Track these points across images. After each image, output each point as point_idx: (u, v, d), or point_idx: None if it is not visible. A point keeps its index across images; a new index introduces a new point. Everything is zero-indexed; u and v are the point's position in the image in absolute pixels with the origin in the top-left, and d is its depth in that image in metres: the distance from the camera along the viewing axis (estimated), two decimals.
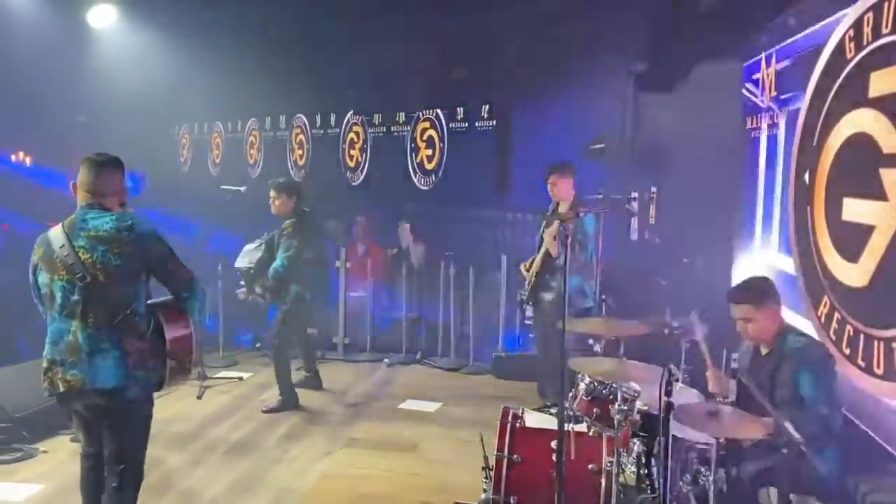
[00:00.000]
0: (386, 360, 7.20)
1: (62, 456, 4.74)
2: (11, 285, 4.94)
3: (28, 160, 11.57)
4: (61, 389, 2.97)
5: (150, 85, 8.93)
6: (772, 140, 4.86)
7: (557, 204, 5.41)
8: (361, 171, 8.69)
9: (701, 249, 5.70)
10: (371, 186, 8.54)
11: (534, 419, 3.59)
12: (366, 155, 8.63)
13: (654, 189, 4.41)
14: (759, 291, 3.34)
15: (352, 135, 8.82)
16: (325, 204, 7.94)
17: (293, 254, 5.47)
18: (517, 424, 3.52)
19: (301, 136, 9.43)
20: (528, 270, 5.69)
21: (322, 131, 9.18)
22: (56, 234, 2.99)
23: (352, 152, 8.82)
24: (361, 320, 7.50)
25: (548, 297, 5.43)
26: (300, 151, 9.45)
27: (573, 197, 5.35)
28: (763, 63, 4.97)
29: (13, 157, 11.54)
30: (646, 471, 3.10)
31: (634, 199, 3.86)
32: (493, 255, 7.17)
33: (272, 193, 5.67)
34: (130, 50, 8.09)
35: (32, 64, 7.71)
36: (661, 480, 2.50)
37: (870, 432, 3.37)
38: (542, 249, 5.52)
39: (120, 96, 8.86)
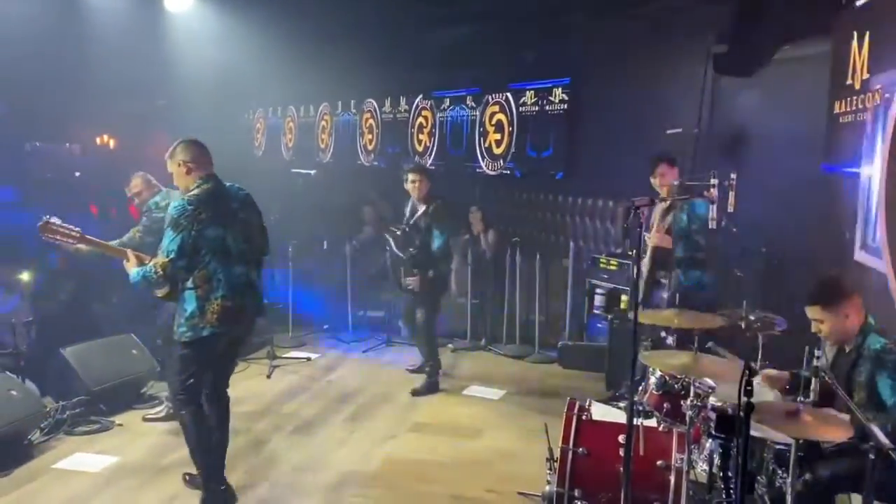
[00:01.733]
0: (451, 346, 7.19)
1: (136, 429, 4.91)
2: (91, 263, 5.13)
3: (112, 143, 12.07)
4: (242, 321, 3.75)
5: (226, 70, 9.14)
6: (862, 126, 4.57)
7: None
8: (430, 154, 8.67)
9: (780, 241, 5.46)
10: (438, 170, 8.51)
11: (601, 412, 3.51)
12: (434, 139, 8.61)
13: (733, 176, 4.20)
14: (827, 292, 3.16)
15: (420, 119, 8.81)
16: (393, 189, 7.98)
17: (449, 234, 5.83)
18: (583, 417, 3.44)
19: (371, 121, 9.48)
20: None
21: (391, 115, 9.20)
22: (213, 196, 3.66)
23: (420, 136, 8.81)
24: None
25: (664, 295, 4.98)
26: (370, 136, 9.50)
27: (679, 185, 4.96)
28: (854, 43, 4.67)
29: (98, 140, 12.06)
30: (719, 471, 2.97)
31: (714, 185, 3.70)
32: (561, 242, 7.06)
33: (413, 177, 5.80)
34: (206, 34, 8.26)
35: (113, 50, 7.97)
36: (737, 484, 2.38)
37: None
38: (650, 250, 5.11)
39: (197, 81, 9.08)
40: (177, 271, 3.54)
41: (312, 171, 7.01)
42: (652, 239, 4.95)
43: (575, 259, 6.88)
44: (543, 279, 7.05)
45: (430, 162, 8.63)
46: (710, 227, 3.68)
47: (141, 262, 3.65)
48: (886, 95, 4.15)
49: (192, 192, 3.65)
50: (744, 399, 2.06)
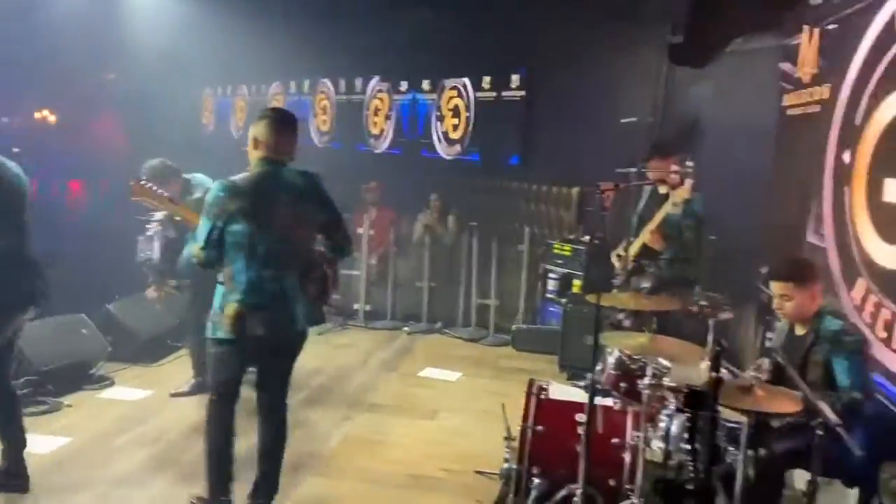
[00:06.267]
0: (406, 329, 7.22)
1: (87, 411, 4.80)
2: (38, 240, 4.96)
3: (52, 118, 11.63)
4: (259, 333, 3.15)
5: (176, 45, 8.89)
6: (811, 119, 4.75)
7: (656, 187, 5.06)
8: (386, 138, 8.63)
9: (731, 230, 5.63)
10: (395, 154, 8.49)
11: (559, 392, 3.58)
12: (390, 122, 8.58)
13: (689, 163, 4.34)
14: (802, 270, 3.29)
15: (376, 101, 8.76)
16: (346, 172, 7.95)
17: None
18: (542, 396, 3.51)
19: (325, 102, 9.38)
20: (621, 256, 5.19)
21: (346, 97, 9.12)
22: (253, 186, 3.16)
23: (376, 119, 8.76)
24: (381, 288, 7.51)
25: (644, 284, 4.95)
26: (323, 117, 9.40)
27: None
28: (806, 38, 4.83)
29: (37, 115, 11.60)
30: (681, 447, 3.07)
31: (690, 171, 3.84)
32: (517, 228, 7.14)
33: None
34: (157, 8, 8.04)
35: (61, 22, 7.69)
36: (703, 459, 2.48)
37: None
38: (641, 236, 5.06)
39: (147, 56, 8.83)
40: (209, 261, 3.20)
41: None
42: (644, 235, 4.91)
43: (530, 244, 6.97)
44: (499, 264, 7.12)
45: (386, 146, 8.61)
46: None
47: None
48: (834, 87, 4.31)
49: (241, 175, 3.22)
50: (713, 375, 2.14)
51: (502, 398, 3.96)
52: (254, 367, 3.43)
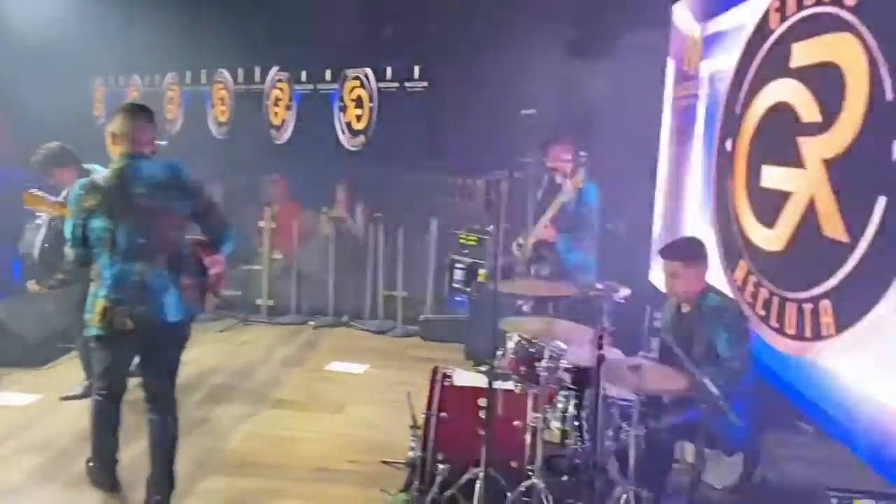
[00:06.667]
0: (311, 323, 7.14)
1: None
2: None
3: None
4: (129, 327, 3.17)
5: (64, 34, 8.43)
6: (694, 109, 4.99)
7: (554, 175, 5.12)
8: (287, 129, 8.49)
9: (624, 216, 5.86)
10: (296, 145, 8.36)
11: (463, 378, 3.64)
12: (291, 113, 8.44)
13: (583, 154, 4.49)
14: (689, 250, 3.48)
15: (277, 91, 8.60)
16: (247, 163, 7.78)
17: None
18: (446, 383, 3.55)
19: (223, 92, 9.13)
20: (520, 246, 5.29)
21: (245, 87, 8.91)
22: (110, 180, 3.17)
23: (276, 110, 8.61)
24: (286, 282, 7.41)
25: (544, 272, 5.07)
26: (222, 108, 9.15)
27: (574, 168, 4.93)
28: (692, 32, 5.07)
29: None
30: (575, 424, 3.19)
31: (583, 162, 3.98)
32: (423, 219, 7.18)
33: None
34: None
35: None
36: (591, 432, 2.57)
37: (779, 390, 3.56)
38: (539, 225, 5.12)
39: (32, 45, 8.33)
40: (79, 258, 3.24)
41: (164, 142, 6.66)
42: (536, 231, 5.01)
43: (437, 235, 7.03)
44: (406, 255, 7.14)
45: (287, 136, 8.47)
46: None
47: None
48: (717, 78, 4.55)
49: (100, 172, 3.27)
50: (598, 353, 2.23)
51: (409, 388, 3.97)
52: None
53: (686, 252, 3.45)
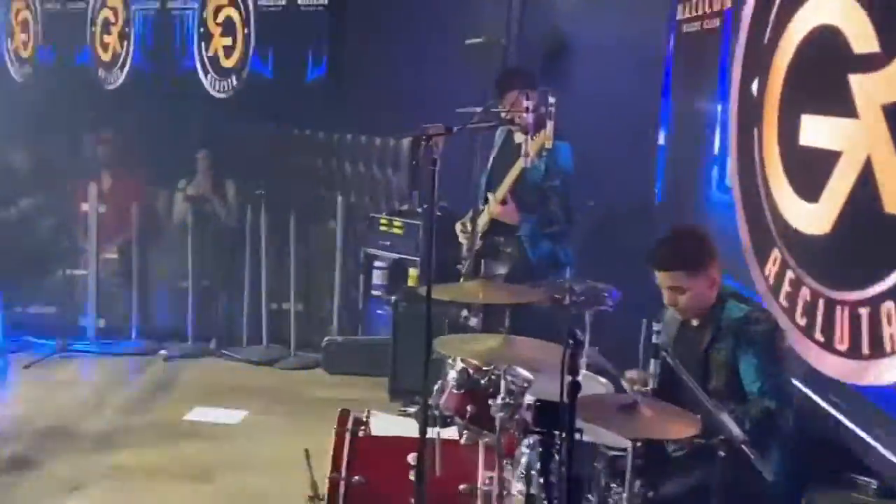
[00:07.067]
0: (163, 352, 7.08)
1: None
2: None
3: None
4: None
5: None
6: (710, 39, 5.09)
7: (511, 133, 5.18)
8: (122, 65, 8.35)
9: (612, 189, 5.95)
10: (136, 92, 8.22)
11: (384, 425, 3.64)
12: (127, 43, 8.30)
13: (551, 101, 4.52)
14: (694, 252, 3.49)
15: (106, 13, 8.44)
16: (63, 118, 7.60)
17: None
18: (359, 433, 3.54)
19: (26, 14, 8.93)
20: (466, 231, 5.39)
21: (60, 5, 8.72)
22: None
23: (106, 39, 8.46)
24: (123, 293, 7.33)
25: (500, 270, 5.12)
26: (24, 36, 8.95)
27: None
28: None
29: None
30: (540, 489, 3.20)
31: (552, 108, 4.02)
32: (325, 198, 7.14)
33: None
34: None
35: None
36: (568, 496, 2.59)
37: (829, 432, 3.66)
38: (491, 203, 5.23)
39: None
40: None
41: None
42: (490, 209, 5.08)
43: (346, 220, 7.02)
44: (301, 250, 7.13)
45: (122, 77, 8.33)
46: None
47: None
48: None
49: None
50: (568, 378, 2.25)
51: (307, 442, 3.96)
52: None
53: (685, 257, 3.49)
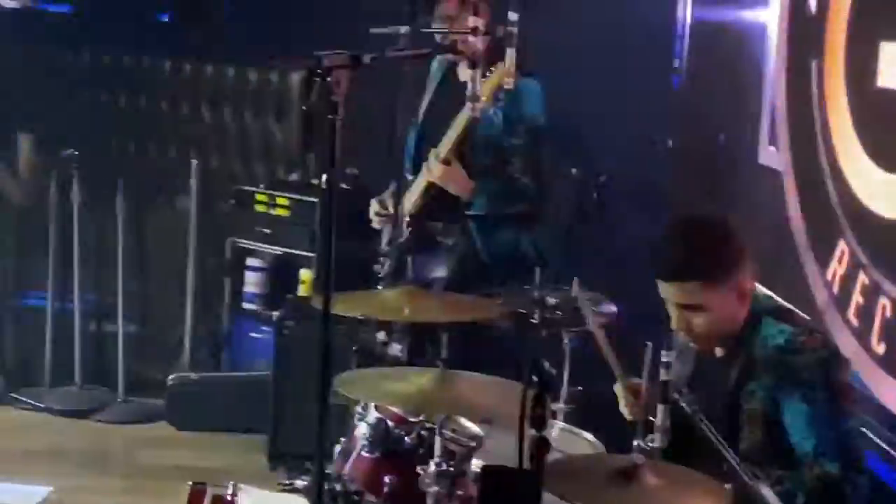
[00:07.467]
0: None
1: None
2: None
3: None
4: None
5: None
6: None
7: (454, 67, 5.28)
8: None
9: (605, 152, 6.01)
10: None
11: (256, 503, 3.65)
12: None
13: (513, 17, 4.56)
14: (716, 254, 3.52)
15: None
16: None
17: None
18: None
19: None
20: (387, 214, 5.40)
21: None
22: None
23: None
24: None
25: (437, 272, 5.25)
26: None
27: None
28: None
29: None
30: None
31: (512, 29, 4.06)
32: (173, 161, 7.12)
33: None
34: None
35: None
36: None
37: None
38: (422, 178, 5.29)
39: None
40: None
41: None
42: (430, 172, 5.11)
43: (203, 197, 7.06)
44: (135, 243, 7.19)
45: None
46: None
47: None
48: None
49: None
50: (533, 434, 2.26)
51: None
52: None
53: (707, 260, 3.51)
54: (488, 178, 5.02)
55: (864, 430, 3.66)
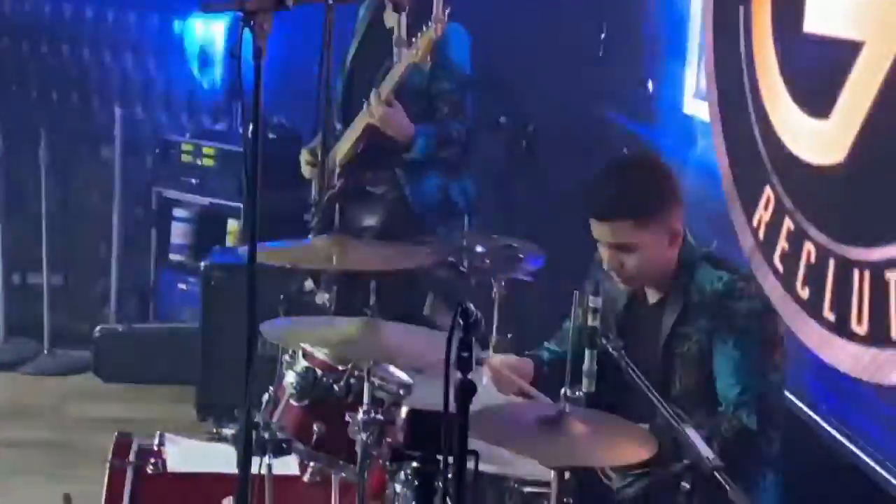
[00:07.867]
0: None
1: None
2: None
3: None
4: None
5: None
6: None
7: (380, 12, 5.24)
8: None
9: (533, 100, 6.00)
10: None
11: (185, 455, 3.66)
12: None
13: None
14: (645, 191, 3.55)
15: None
16: None
17: None
18: (149, 469, 3.55)
19: None
20: (316, 163, 5.21)
21: None
22: None
23: None
24: None
25: (368, 220, 5.26)
26: None
27: None
28: None
29: None
30: None
31: None
32: (94, 106, 7.05)
33: None
34: None
35: None
36: None
37: (840, 446, 3.79)
38: (358, 122, 5.23)
39: None
40: None
41: None
42: (371, 113, 5.03)
43: (126, 146, 7.00)
44: (59, 193, 7.13)
45: None
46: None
47: None
48: None
49: None
50: (458, 377, 2.26)
51: (70, 485, 3.96)
52: None
53: (637, 197, 3.52)
54: (426, 121, 5.00)
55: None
